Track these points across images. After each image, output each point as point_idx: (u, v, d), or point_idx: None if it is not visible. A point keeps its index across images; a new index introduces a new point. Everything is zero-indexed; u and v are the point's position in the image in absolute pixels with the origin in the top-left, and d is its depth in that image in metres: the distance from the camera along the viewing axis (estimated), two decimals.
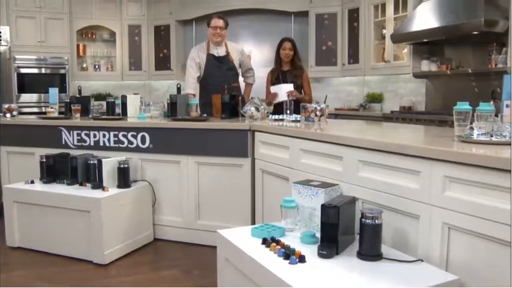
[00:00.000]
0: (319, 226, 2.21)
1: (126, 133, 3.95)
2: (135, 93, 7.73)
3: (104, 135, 4.02)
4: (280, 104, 4.33)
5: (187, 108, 4.36)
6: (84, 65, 7.84)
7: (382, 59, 6.14)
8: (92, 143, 4.07)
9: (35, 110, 6.92)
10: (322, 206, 2.11)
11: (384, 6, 6.01)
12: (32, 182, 3.85)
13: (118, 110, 4.58)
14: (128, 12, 7.74)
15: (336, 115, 6.31)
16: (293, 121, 3.66)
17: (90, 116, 4.51)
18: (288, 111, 3.86)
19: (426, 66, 5.57)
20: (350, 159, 2.47)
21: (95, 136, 4.05)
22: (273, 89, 4.73)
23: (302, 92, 4.82)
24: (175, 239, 3.91)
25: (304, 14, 6.97)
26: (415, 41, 5.41)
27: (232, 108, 4.24)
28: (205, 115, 4.26)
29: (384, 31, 6.09)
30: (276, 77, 4.80)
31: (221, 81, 4.71)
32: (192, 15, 7.50)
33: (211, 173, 3.77)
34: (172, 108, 4.29)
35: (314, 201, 2.39)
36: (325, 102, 3.63)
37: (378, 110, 6.38)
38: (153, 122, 4.04)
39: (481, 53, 5.00)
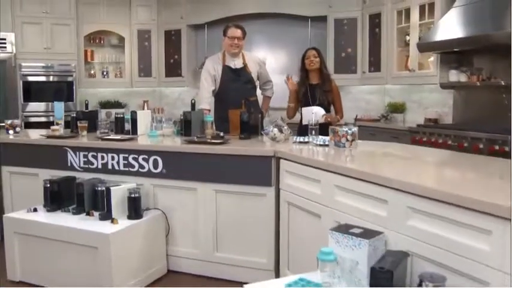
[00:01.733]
0: (362, 281, 1.91)
1: (136, 156, 3.63)
2: (144, 101, 7.49)
3: (113, 158, 3.70)
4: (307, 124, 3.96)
5: (202, 125, 4.08)
6: (92, 72, 7.54)
7: (406, 67, 5.80)
8: (100, 166, 3.74)
9: (43, 119, 6.65)
10: (372, 269, 1.79)
11: (408, 11, 5.66)
12: (35, 209, 3.53)
13: (127, 126, 4.28)
14: (138, 17, 7.42)
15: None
16: (320, 145, 3.33)
17: (97, 132, 4.19)
18: (314, 132, 3.54)
19: (455, 76, 5.21)
20: (397, 205, 2.13)
21: (103, 158, 3.73)
22: (304, 111, 4.27)
23: (332, 107, 4.43)
24: (190, 272, 3.58)
25: (322, 19, 6.63)
26: (443, 50, 5.07)
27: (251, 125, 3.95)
28: (221, 133, 3.93)
29: (408, 38, 5.75)
30: (304, 92, 4.35)
31: (238, 95, 4.41)
32: (204, 20, 7.19)
33: (231, 202, 3.43)
34: (187, 126, 4.03)
35: (356, 253, 2.07)
36: (354, 125, 3.29)
37: (400, 121, 6.03)
38: (166, 144, 3.72)
39: None
